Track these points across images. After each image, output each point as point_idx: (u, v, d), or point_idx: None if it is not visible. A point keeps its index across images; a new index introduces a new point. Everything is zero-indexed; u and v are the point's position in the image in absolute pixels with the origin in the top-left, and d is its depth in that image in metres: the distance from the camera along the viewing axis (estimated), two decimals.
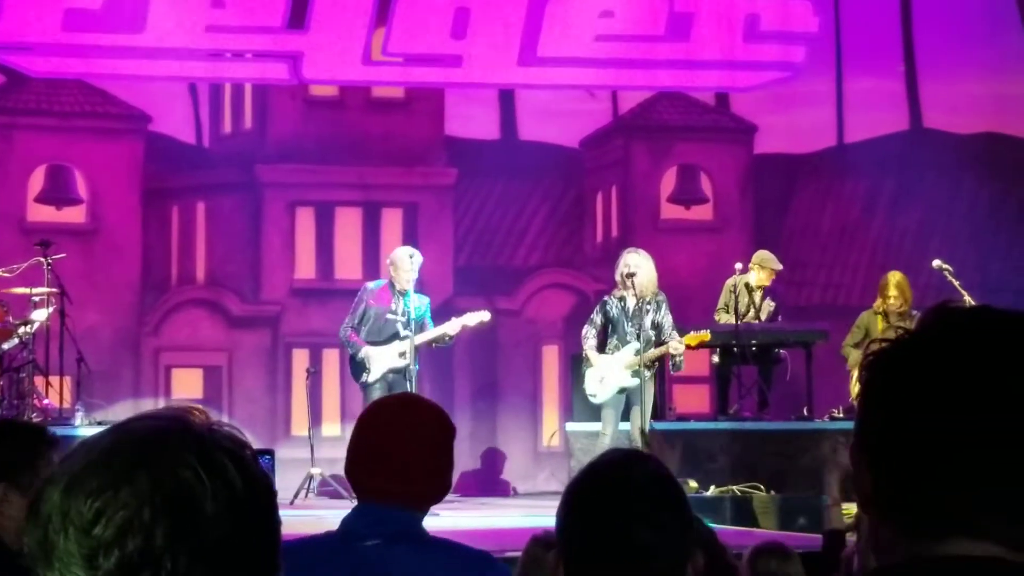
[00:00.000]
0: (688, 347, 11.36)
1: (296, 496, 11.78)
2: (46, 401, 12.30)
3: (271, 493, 1.48)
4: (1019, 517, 1.51)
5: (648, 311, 10.99)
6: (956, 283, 11.99)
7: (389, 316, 11.38)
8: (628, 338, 11.03)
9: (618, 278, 11.15)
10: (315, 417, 13.24)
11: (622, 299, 11.10)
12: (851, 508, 10.00)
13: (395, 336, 11.36)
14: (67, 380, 12.48)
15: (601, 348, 11.20)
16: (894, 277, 12.23)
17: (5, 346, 12.04)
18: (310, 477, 12.27)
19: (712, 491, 11.11)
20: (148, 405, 14.22)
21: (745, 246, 13.22)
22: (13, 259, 12.54)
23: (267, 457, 8.66)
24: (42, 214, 14.47)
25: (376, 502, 3.07)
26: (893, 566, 1.55)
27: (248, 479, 1.45)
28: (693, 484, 11.41)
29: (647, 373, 11.04)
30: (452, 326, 11.37)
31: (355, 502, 3.16)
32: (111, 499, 1.39)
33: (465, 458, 14.51)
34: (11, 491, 3.60)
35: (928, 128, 15.56)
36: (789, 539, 8.69)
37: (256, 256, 14.84)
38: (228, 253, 14.82)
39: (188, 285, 14.80)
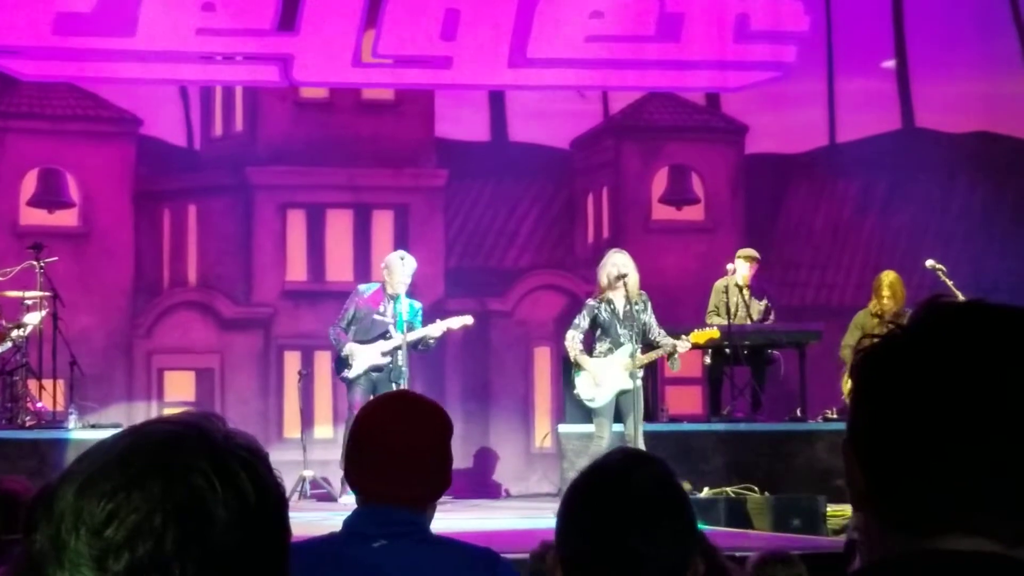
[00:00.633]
0: (695, 346, 11.36)
1: (288, 498, 11.76)
2: (39, 404, 12.29)
3: (283, 503, 1.48)
4: (1013, 511, 1.51)
5: (637, 311, 10.93)
6: (949, 283, 11.99)
7: (376, 317, 11.39)
8: (622, 340, 10.96)
9: (605, 280, 10.96)
10: (307, 419, 13.24)
11: (609, 302, 10.97)
12: (842, 510, 10.00)
13: (382, 336, 11.36)
14: (60, 383, 12.47)
15: (587, 352, 11.11)
16: (887, 277, 12.24)
17: None
18: (303, 479, 12.26)
19: (706, 493, 11.11)
20: (141, 408, 14.23)
21: (737, 247, 13.22)
22: (5, 263, 12.52)
23: None
24: (34, 217, 14.46)
25: (378, 503, 3.06)
26: (886, 562, 1.55)
27: (260, 488, 1.44)
28: (687, 486, 11.42)
29: (639, 374, 11.03)
30: (435, 329, 11.36)
31: (345, 503, 3.16)
32: (124, 502, 1.39)
33: (457, 459, 14.38)
34: None
35: (920, 128, 15.57)
36: (785, 541, 8.69)
37: (247, 258, 14.83)
38: (219, 255, 14.81)
39: (180, 288, 14.79)
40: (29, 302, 12.14)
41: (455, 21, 14.88)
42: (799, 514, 10.43)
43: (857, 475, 1.57)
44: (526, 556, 6.54)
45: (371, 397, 11.22)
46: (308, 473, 12.28)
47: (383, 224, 15.02)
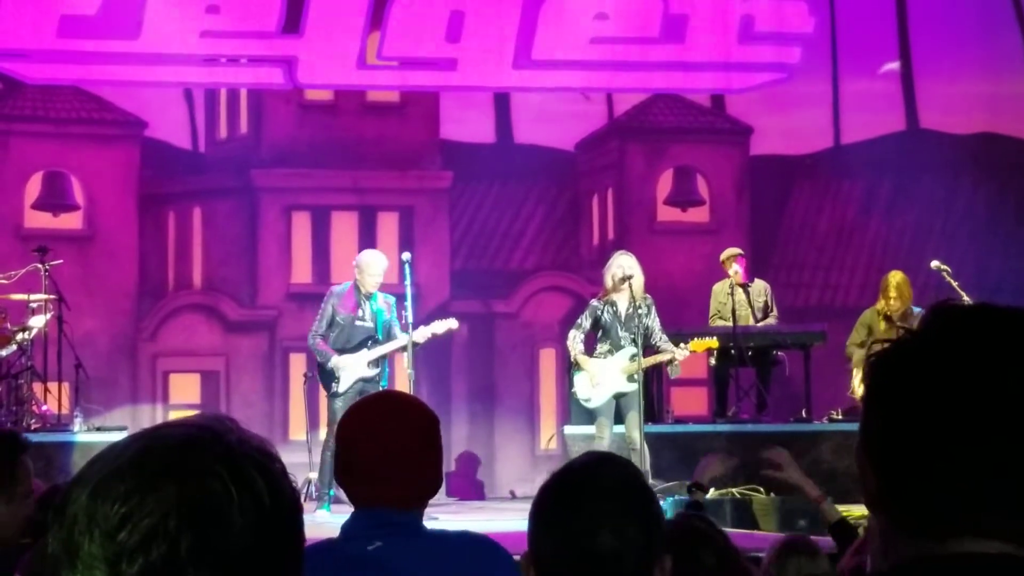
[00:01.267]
0: (693, 353, 11.36)
1: None
2: (44, 407, 12.30)
3: (298, 508, 1.48)
4: (1017, 511, 1.51)
5: (640, 315, 10.93)
6: (954, 283, 11.98)
7: (358, 323, 11.32)
8: (623, 343, 10.97)
9: (610, 282, 10.99)
10: (313, 421, 13.22)
11: (612, 304, 10.99)
12: (848, 511, 9.99)
13: (365, 343, 11.29)
14: (65, 386, 12.48)
15: (588, 353, 11.13)
16: (894, 278, 12.19)
17: (3, 352, 12.03)
18: (308, 481, 12.25)
19: (712, 494, 11.10)
20: (146, 411, 14.24)
21: (742, 248, 13.21)
22: (10, 265, 12.53)
23: None
24: (39, 220, 14.46)
25: (372, 507, 3.05)
26: (900, 566, 1.55)
27: (275, 493, 1.44)
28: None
29: (641, 375, 11.03)
30: (420, 335, 11.28)
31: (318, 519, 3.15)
32: (138, 505, 1.39)
33: (462, 461, 14.51)
34: None
35: (924, 129, 15.55)
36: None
37: (252, 261, 14.84)
38: (224, 258, 14.82)
39: (185, 290, 14.80)
40: (34, 305, 12.14)
41: (460, 23, 14.89)
42: (805, 515, 10.41)
43: (870, 478, 1.57)
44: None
45: None
46: (314, 475, 12.27)
47: (388, 226, 15.02)
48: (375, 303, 11.33)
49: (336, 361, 11.23)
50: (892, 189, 15.45)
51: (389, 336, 11.39)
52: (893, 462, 1.54)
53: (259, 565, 1.41)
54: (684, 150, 15.52)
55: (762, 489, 11.14)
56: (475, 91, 15.20)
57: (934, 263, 12.37)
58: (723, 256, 12.88)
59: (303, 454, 12.52)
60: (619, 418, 11.01)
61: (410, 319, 11.26)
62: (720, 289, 12.85)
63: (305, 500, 12.10)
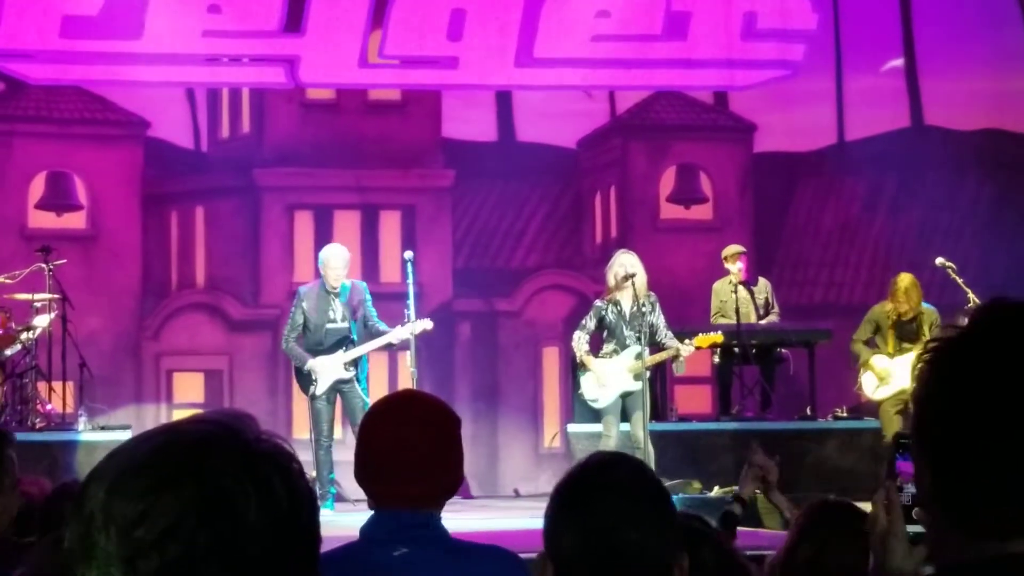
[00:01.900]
0: (698, 349, 11.35)
1: None
2: (49, 406, 12.30)
3: (314, 508, 1.47)
4: None
5: (644, 313, 10.92)
6: (959, 280, 11.97)
7: (330, 325, 11.27)
8: (628, 342, 10.96)
9: (612, 280, 10.98)
10: None
11: (616, 303, 10.99)
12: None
13: (340, 344, 11.25)
14: (70, 385, 12.48)
15: (594, 353, 11.13)
16: (903, 281, 11.98)
17: (8, 352, 12.05)
18: (312, 480, 12.25)
19: (715, 492, 11.10)
20: (150, 410, 14.24)
21: (745, 245, 13.20)
22: (14, 265, 12.55)
23: None
24: (42, 220, 14.47)
25: (392, 508, 3.03)
26: (960, 565, 1.53)
27: (292, 492, 1.44)
28: (696, 485, 11.41)
29: (646, 373, 11.02)
30: (396, 335, 11.23)
31: (355, 504, 3.14)
32: (155, 502, 1.38)
33: (466, 460, 14.42)
34: None
35: (929, 125, 15.53)
36: None
37: (255, 260, 14.84)
38: (227, 257, 14.82)
39: (188, 289, 14.80)
40: (38, 305, 12.16)
41: (461, 21, 14.88)
42: None
43: (926, 477, 1.56)
44: (535, 556, 6.51)
45: (335, 404, 11.21)
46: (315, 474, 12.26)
47: (390, 225, 15.01)
48: (345, 298, 11.28)
49: (312, 364, 11.21)
50: (896, 186, 15.43)
51: (365, 330, 11.32)
52: (950, 460, 1.53)
53: (275, 564, 1.41)
54: (687, 148, 15.51)
55: None
56: (477, 89, 15.19)
57: (939, 260, 12.35)
58: (725, 253, 12.86)
59: (307, 453, 12.50)
60: (624, 416, 11.01)
61: (412, 318, 11.24)
62: (721, 287, 12.84)
63: None
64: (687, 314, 12.85)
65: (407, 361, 11.44)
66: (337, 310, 11.29)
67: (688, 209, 15.44)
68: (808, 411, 12.51)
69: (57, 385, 12.30)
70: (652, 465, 10.59)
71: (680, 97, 15.55)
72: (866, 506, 2.05)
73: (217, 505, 1.38)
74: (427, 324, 11.28)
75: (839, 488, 10.73)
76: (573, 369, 11.83)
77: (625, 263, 10.97)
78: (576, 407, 12.29)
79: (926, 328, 11.60)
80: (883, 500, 1.87)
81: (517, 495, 14.25)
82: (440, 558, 2.95)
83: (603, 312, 11.02)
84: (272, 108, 15.06)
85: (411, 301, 11.28)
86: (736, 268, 12.73)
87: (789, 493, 11.05)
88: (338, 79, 15.00)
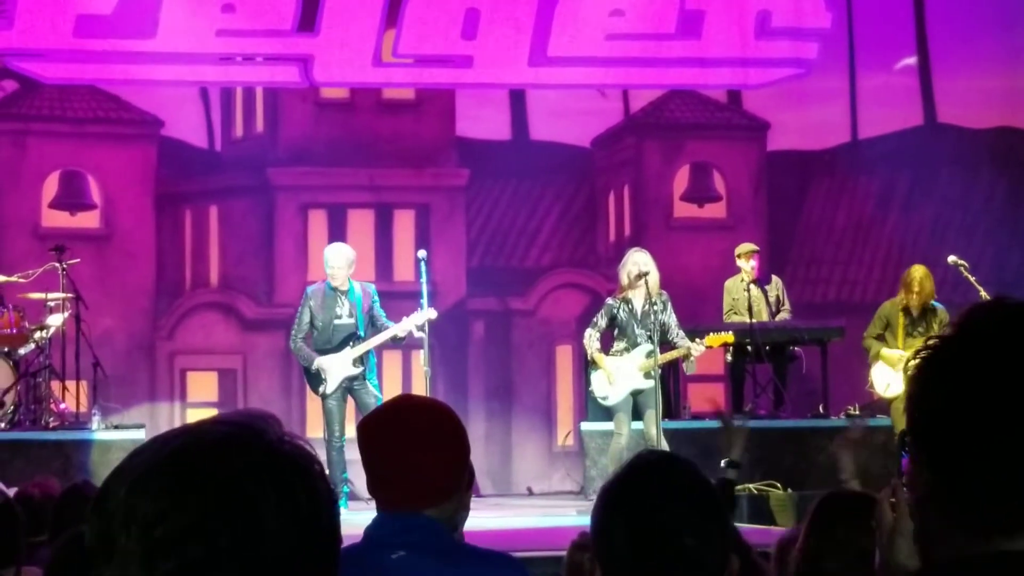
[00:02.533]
0: (709, 348, 11.34)
1: None
2: (63, 405, 12.32)
3: (334, 510, 1.47)
4: None
5: (656, 311, 10.93)
6: (971, 278, 11.95)
7: (337, 322, 11.29)
8: (639, 340, 10.97)
9: (626, 279, 11.01)
10: None
11: (628, 301, 11.01)
12: None
13: (347, 341, 11.26)
14: (83, 384, 12.50)
15: (604, 350, 11.14)
16: (917, 272, 12.03)
17: (22, 351, 12.07)
18: None
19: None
20: (164, 409, 14.27)
21: (759, 244, 13.20)
22: (28, 264, 12.57)
23: None
24: (56, 220, 14.49)
25: (395, 509, 3.05)
26: (955, 562, 1.53)
27: (313, 495, 1.44)
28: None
29: (658, 371, 11.03)
30: (401, 328, 11.23)
31: (368, 503, 3.14)
32: (175, 502, 1.39)
33: (480, 458, 14.50)
34: None
35: (942, 123, 15.51)
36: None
37: (269, 259, 14.85)
38: (241, 256, 14.84)
39: (202, 289, 14.82)
40: (52, 304, 12.18)
41: (475, 20, 14.88)
42: None
43: (922, 475, 1.56)
44: (548, 554, 6.51)
45: (346, 402, 11.23)
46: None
47: (404, 224, 15.02)
48: (353, 296, 11.30)
49: (320, 363, 11.22)
50: (909, 184, 15.41)
51: (373, 329, 11.34)
52: (946, 457, 1.53)
53: (295, 565, 1.41)
54: (701, 146, 15.50)
55: (779, 485, 11.14)
56: (491, 88, 15.19)
57: (951, 258, 12.33)
58: (739, 251, 12.85)
59: (320, 452, 12.53)
60: (637, 415, 11.02)
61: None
62: (733, 285, 12.83)
63: None
64: (700, 312, 12.85)
65: (421, 360, 11.45)
66: (344, 307, 11.30)
67: (702, 208, 15.43)
68: (821, 409, 12.51)
69: (71, 384, 12.32)
70: None
71: (694, 96, 15.55)
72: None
73: (238, 506, 1.38)
74: (431, 313, 11.26)
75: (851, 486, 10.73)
76: (586, 367, 11.83)
77: (639, 262, 10.98)
78: (589, 405, 12.30)
79: (936, 326, 11.57)
80: (890, 497, 1.88)
81: (530, 493, 14.26)
82: (438, 563, 2.95)
83: (615, 310, 11.04)
84: (286, 107, 15.08)
85: (424, 300, 11.28)
86: (749, 266, 12.72)
87: (802, 490, 11.10)
88: (352, 78, 15.01)
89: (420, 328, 11.24)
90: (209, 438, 1.43)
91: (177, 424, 1.51)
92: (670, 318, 11.05)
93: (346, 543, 3.04)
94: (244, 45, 14.79)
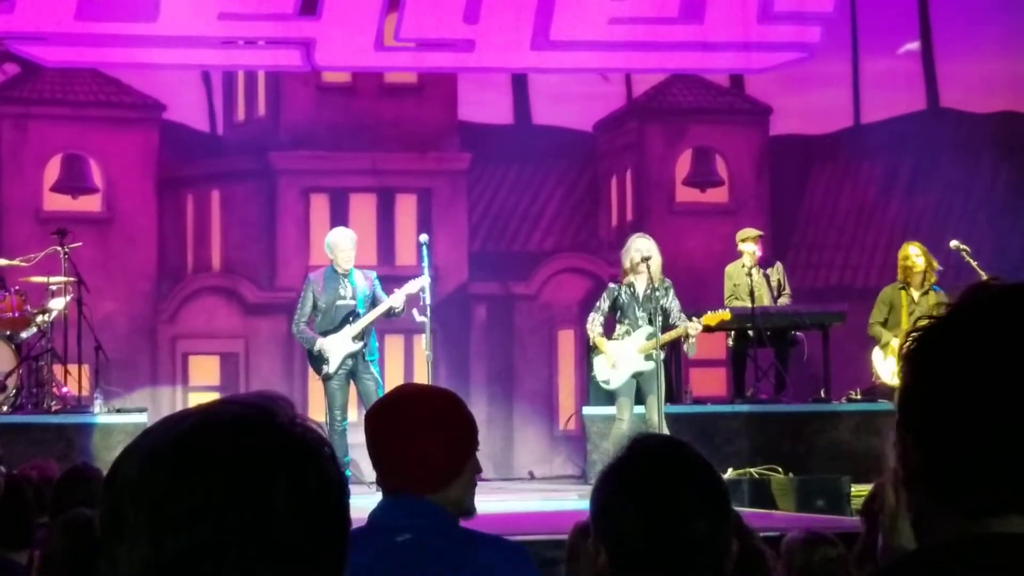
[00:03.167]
0: (707, 327, 11.34)
1: None
2: (65, 389, 12.33)
3: (344, 493, 1.48)
4: None
5: (658, 296, 10.94)
6: (974, 263, 11.95)
7: (339, 302, 11.32)
8: (640, 323, 10.99)
9: (628, 264, 11.03)
10: None
11: (631, 285, 11.04)
12: (866, 490, 9.98)
13: (347, 319, 11.30)
14: (85, 368, 12.50)
15: (607, 335, 11.16)
16: (906, 247, 12.22)
17: (24, 335, 12.09)
18: None
19: (730, 474, 11.10)
20: (166, 392, 14.28)
21: (761, 228, 13.19)
22: (30, 248, 12.58)
23: None
24: (58, 203, 14.49)
25: (399, 493, 3.07)
26: (944, 544, 1.54)
27: (323, 478, 1.44)
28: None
29: (660, 355, 11.03)
30: (396, 299, 11.25)
31: (371, 486, 3.17)
32: (185, 481, 1.39)
33: (481, 442, 14.43)
34: None
35: (945, 108, 15.50)
36: (809, 522, 8.68)
37: (271, 243, 14.85)
38: (243, 240, 14.84)
39: (204, 273, 14.82)
40: (54, 287, 12.19)
41: (478, 4, 14.86)
42: (823, 495, 10.43)
43: (911, 456, 1.56)
44: (550, 538, 6.51)
45: (349, 386, 11.25)
46: None
47: (407, 208, 15.02)
48: (354, 279, 11.33)
49: (321, 344, 11.26)
50: (912, 169, 15.40)
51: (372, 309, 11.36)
52: (936, 438, 1.53)
53: (304, 547, 1.41)
54: (703, 131, 15.48)
55: (780, 469, 11.16)
56: (493, 72, 15.18)
57: (953, 243, 12.34)
58: (741, 235, 12.83)
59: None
60: (639, 399, 11.03)
61: (427, 301, 11.26)
62: (734, 270, 12.82)
63: None
64: (702, 297, 12.84)
65: (423, 345, 11.46)
66: (347, 289, 11.34)
67: (704, 192, 15.42)
68: (822, 393, 12.51)
69: (73, 368, 12.33)
70: None
71: (696, 80, 15.53)
72: (868, 486, 2.06)
73: (247, 487, 1.39)
74: (424, 280, 11.27)
75: (853, 470, 10.76)
76: (588, 352, 11.84)
77: (641, 247, 10.99)
78: (591, 390, 12.31)
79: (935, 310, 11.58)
80: (892, 481, 1.88)
81: (532, 477, 14.27)
82: (444, 545, 2.98)
83: (616, 293, 11.07)
84: (288, 91, 15.07)
85: (427, 285, 11.29)
86: (751, 251, 12.71)
87: (803, 475, 11.10)
88: (354, 62, 14.99)
89: (422, 312, 11.25)
90: (220, 419, 1.44)
91: (179, 408, 1.51)
92: (672, 303, 11.05)
93: (353, 525, 3.06)
94: (246, 29, 14.77)
